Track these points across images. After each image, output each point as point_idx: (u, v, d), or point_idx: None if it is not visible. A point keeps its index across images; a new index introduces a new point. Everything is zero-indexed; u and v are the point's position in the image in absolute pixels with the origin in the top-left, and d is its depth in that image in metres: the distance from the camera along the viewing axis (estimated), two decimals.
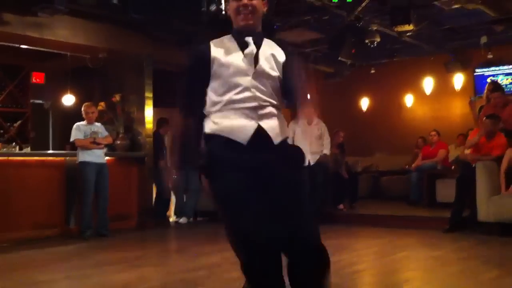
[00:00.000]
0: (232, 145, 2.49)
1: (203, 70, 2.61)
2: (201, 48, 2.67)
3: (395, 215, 8.41)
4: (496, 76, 10.94)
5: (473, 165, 6.95)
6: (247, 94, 2.54)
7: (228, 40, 2.68)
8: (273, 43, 2.72)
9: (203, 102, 2.64)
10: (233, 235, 2.43)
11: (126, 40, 8.31)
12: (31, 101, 10.01)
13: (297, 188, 2.53)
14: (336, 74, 11.74)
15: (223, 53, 2.61)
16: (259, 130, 2.51)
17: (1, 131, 9.47)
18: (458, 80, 11.40)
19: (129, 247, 6.81)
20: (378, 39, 9.20)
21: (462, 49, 11.00)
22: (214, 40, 2.69)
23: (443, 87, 11.70)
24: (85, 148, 7.21)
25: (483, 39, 9.95)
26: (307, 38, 10.24)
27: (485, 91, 7.69)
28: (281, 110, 2.66)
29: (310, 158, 8.24)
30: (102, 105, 8.62)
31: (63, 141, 8.44)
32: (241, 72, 2.56)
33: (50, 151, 8.96)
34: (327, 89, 12.26)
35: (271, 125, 2.55)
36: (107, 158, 7.55)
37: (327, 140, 8.45)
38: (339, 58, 9.94)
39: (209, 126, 2.58)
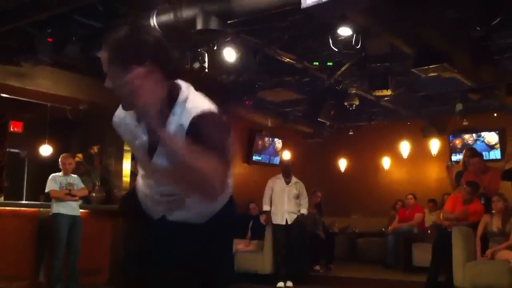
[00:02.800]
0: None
1: None
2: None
3: (371, 278, 8.35)
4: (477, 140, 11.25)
5: (449, 230, 6.98)
6: (151, 183, 2.23)
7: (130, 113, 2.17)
8: (190, 105, 2.03)
9: None
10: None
11: (107, 93, 8.26)
12: (7, 150, 9.88)
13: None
14: (315, 135, 11.88)
15: (127, 127, 2.17)
16: (164, 218, 2.23)
17: None
18: (435, 145, 11.61)
19: None
20: (357, 102, 9.38)
21: (438, 115, 11.26)
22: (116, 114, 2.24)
23: (420, 151, 11.89)
24: (60, 199, 7.08)
25: (458, 107, 10.19)
26: (287, 98, 10.40)
27: (462, 157, 7.83)
28: None
29: (288, 218, 8.21)
30: (79, 156, 8.54)
31: (38, 192, 8.30)
32: (141, 162, 2.24)
33: (24, 202, 8.79)
34: (306, 149, 12.38)
35: (178, 218, 2.21)
36: (81, 210, 7.42)
37: (304, 199, 8.44)
38: (319, 119, 10.10)
39: (138, 180, 2.37)
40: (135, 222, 2.35)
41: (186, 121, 1.99)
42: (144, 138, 2.08)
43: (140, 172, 2.31)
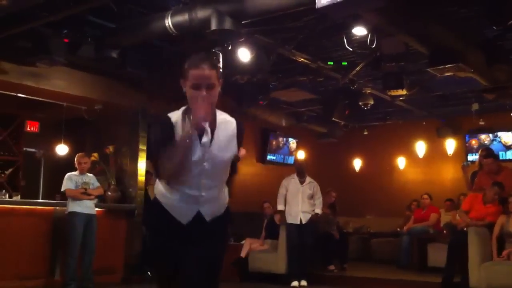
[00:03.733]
0: (171, 219, 2.66)
1: (167, 137, 2.57)
2: (165, 120, 2.62)
3: (385, 279, 8.29)
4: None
5: (465, 229, 6.92)
6: (195, 182, 2.61)
7: (182, 120, 2.59)
8: (225, 117, 2.67)
9: None
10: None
11: (122, 93, 8.38)
12: (24, 149, 9.97)
13: (210, 265, 2.67)
14: (329, 134, 11.86)
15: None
16: (197, 214, 2.65)
17: None
18: (450, 145, 11.53)
19: None
20: (372, 102, 9.34)
21: (454, 115, 11.17)
22: (171, 116, 2.62)
23: (435, 151, 11.80)
24: (76, 198, 7.14)
25: (475, 106, 10.11)
26: (301, 98, 10.39)
27: (478, 157, 7.76)
28: (224, 181, 2.75)
29: (302, 217, 8.20)
30: (95, 155, 8.61)
31: (54, 191, 8.37)
32: (194, 161, 2.57)
33: (40, 200, 8.87)
34: (320, 148, 12.36)
35: (209, 209, 2.67)
36: (97, 209, 7.47)
37: (319, 199, 8.41)
38: (333, 119, 10.08)
39: (158, 190, 2.72)
40: (165, 228, 2.69)
41: (231, 129, 2.64)
42: (209, 138, 2.56)
43: (179, 179, 2.60)
